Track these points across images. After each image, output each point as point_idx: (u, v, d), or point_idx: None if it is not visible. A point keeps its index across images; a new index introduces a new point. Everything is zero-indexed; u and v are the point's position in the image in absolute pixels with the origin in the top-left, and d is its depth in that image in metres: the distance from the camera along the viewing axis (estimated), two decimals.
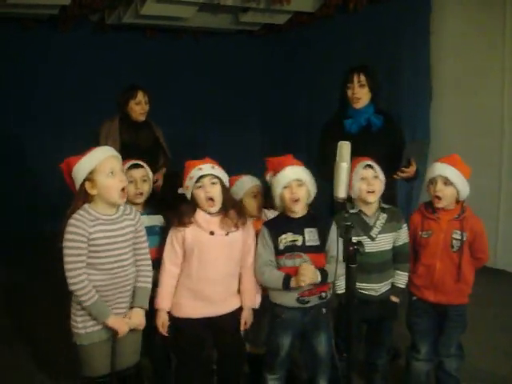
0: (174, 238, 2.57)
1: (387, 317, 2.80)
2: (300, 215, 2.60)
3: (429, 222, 2.73)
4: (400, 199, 3.98)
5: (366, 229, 2.72)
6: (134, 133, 4.01)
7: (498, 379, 3.26)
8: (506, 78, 5.12)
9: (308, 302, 2.57)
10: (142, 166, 2.90)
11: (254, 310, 2.80)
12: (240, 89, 7.59)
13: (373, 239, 2.71)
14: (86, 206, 2.34)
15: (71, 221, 2.29)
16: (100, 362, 2.42)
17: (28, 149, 6.63)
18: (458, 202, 2.70)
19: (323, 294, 2.60)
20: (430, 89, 5.71)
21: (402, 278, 2.77)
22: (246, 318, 2.69)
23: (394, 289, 2.77)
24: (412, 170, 3.25)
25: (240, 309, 2.68)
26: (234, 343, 2.70)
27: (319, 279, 2.49)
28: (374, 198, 2.71)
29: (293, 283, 2.48)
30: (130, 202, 2.79)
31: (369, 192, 2.69)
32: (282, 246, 2.55)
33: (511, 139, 5.14)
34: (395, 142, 3.39)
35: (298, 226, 2.58)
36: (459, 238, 2.65)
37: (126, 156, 3.00)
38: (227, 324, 2.64)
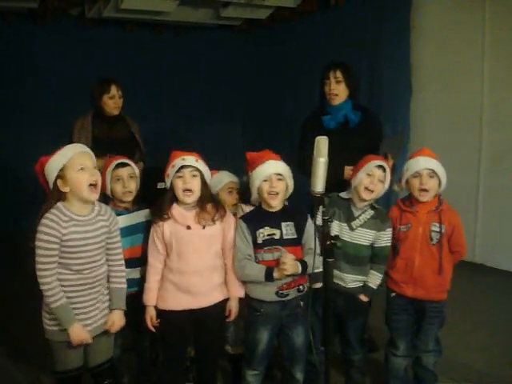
0: (155, 233, 2.58)
1: (354, 313, 2.80)
2: (276, 209, 2.61)
3: (407, 216, 2.74)
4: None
5: (349, 218, 2.73)
6: (109, 127, 3.96)
7: (474, 373, 3.30)
8: (485, 74, 5.16)
9: (287, 295, 2.57)
10: (128, 164, 2.87)
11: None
12: (222, 84, 7.57)
13: (352, 229, 2.72)
14: (59, 204, 2.31)
15: (44, 221, 2.26)
16: (71, 358, 2.43)
17: (3, 145, 6.53)
18: (435, 195, 2.72)
19: (301, 287, 2.62)
20: (410, 84, 5.74)
21: (375, 279, 2.77)
22: (233, 307, 2.69)
23: (365, 287, 2.77)
24: (389, 164, 3.26)
25: (223, 302, 2.68)
26: (214, 335, 2.72)
27: (300, 269, 2.50)
28: (369, 197, 2.72)
29: (276, 274, 2.48)
30: (118, 200, 2.82)
31: (367, 189, 2.70)
32: (260, 240, 2.56)
33: (490, 134, 5.19)
34: (373, 138, 3.41)
35: (275, 219, 2.59)
36: (438, 230, 2.67)
37: (100, 151, 2.99)
38: (209, 316, 2.64)
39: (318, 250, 2.42)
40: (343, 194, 2.81)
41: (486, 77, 5.17)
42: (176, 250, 2.55)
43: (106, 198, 2.82)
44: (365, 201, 2.74)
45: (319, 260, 2.32)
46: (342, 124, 3.42)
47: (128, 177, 2.82)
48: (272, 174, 2.56)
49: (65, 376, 2.46)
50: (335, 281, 2.70)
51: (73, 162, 2.29)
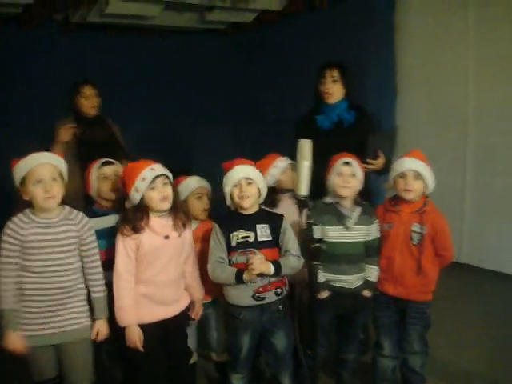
0: (128, 247, 2.48)
1: (359, 310, 2.81)
2: (251, 212, 2.62)
3: (390, 215, 2.75)
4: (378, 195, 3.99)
5: (342, 219, 2.72)
6: (89, 129, 3.93)
7: (461, 372, 3.31)
8: (470, 74, 5.18)
9: (264, 298, 2.57)
10: (113, 163, 2.88)
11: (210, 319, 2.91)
12: (208, 88, 7.55)
13: (348, 229, 2.71)
14: (27, 210, 2.34)
15: (8, 223, 2.31)
16: (43, 367, 2.42)
17: None
18: (421, 195, 2.73)
19: (279, 290, 2.61)
20: (396, 84, 5.76)
21: (373, 272, 2.78)
22: (198, 310, 2.73)
23: (367, 283, 2.77)
24: (379, 162, 3.26)
25: (187, 307, 2.69)
26: (183, 340, 2.74)
27: (272, 270, 2.49)
28: (346, 193, 2.72)
29: (245, 276, 2.49)
30: (105, 199, 2.82)
31: (342, 186, 2.71)
32: (234, 243, 2.56)
33: (476, 134, 5.20)
34: (366, 138, 3.42)
35: (249, 222, 2.59)
36: (418, 230, 2.67)
37: (82, 153, 2.97)
38: (178, 323, 2.64)
39: (297, 252, 2.49)
40: (327, 200, 2.79)
41: (470, 77, 5.19)
42: (151, 260, 2.50)
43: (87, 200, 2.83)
44: (345, 198, 2.74)
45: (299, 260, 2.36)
46: (335, 124, 3.41)
47: (114, 175, 2.81)
48: (241, 179, 2.57)
49: None
50: (340, 285, 2.71)
51: (30, 175, 2.28)
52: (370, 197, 3.39)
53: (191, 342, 2.88)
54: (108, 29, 6.97)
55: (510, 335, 3.79)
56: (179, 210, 2.57)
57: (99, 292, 2.47)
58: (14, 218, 2.31)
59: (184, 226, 2.57)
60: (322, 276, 2.69)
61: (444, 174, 4.63)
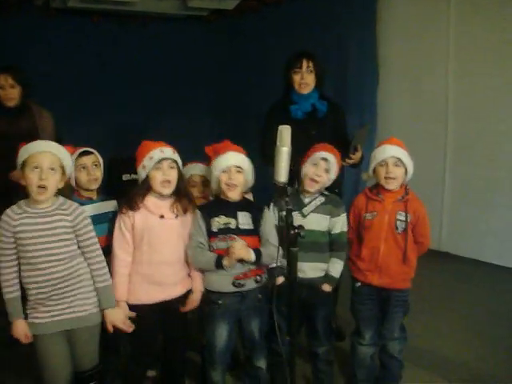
0: (123, 224, 2.53)
1: (318, 305, 2.79)
2: (234, 199, 2.62)
3: (373, 204, 2.75)
4: (348, 186, 4.00)
5: (300, 206, 2.72)
6: (8, 121, 3.66)
7: (440, 359, 3.35)
8: (451, 65, 5.23)
9: (244, 285, 2.57)
10: (92, 153, 2.84)
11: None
12: (189, 75, 7.50)
13: (304, 216, 2.72)
14: (21, 201, 2.33)
15: (2, 216, 2.31)
16: (53, 363, 2.38)
17: None
18: (401, 184, 2.74)
19: (258, 278, 2.62)
20: (377, 75, 5.78)
21: (336, 267, 2.76)
22: (195, 300, 2.68)
23: (327, 277, 2.76)
24: (358, 156, 3.29)
25: (186, 294, 2.67)
26: (182, 326, 2.73)
27: (253, 257, 2.50)
28: (313, 188, 2.74)
29: (225, 261, 2.49)
30: (83, 189, 2.78)
31: (311, 179, 2.71)
32: (214, 229, 2.56)
33: (456, 124, 5.26)
34: (339, 128, 3.43)
35: (231, 209, 2.59)
36: (403, 219, 2.68)
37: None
38: (175, 308, 2.63)
39: (276, 242, 2.49)
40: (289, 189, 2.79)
41: (451, 68, 5.24)
42: (147, 240, 2.52)
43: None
44: (309, 192, 2.75)
45: (276, 253, 2.38)
46: (309, 114, 3.41)
47: (92, 165, 2.78)
48: (232, 166, 2.57)
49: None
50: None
51: (30, 160, 2.27)
52: (340, 187, 3.42)
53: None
54: (90, 15, 6.88)
55: (489, 322, 3.85)
56: (182, 195, 2.59)
57: (102, 282, 2.44)
58: (7, 210, 2.31)
59: (185, 211, 2.58)
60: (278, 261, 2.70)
61: (424, 163, 4.65)
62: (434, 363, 3.29)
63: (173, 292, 2.62)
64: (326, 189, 2.85)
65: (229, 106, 7.59)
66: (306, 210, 2.73)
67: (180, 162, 2.60)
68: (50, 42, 6.69)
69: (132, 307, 2.55)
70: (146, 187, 2.53)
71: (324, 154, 2.74)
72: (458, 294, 4.41)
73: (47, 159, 2.29)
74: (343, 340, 3.40)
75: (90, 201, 2.77)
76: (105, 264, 2.46)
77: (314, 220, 2.73)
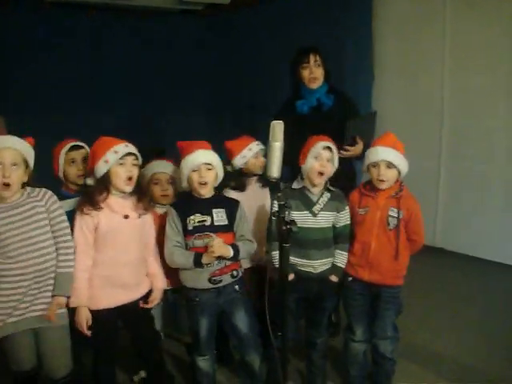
0: (85, 225, 2.43)
1: (326, 296, 2.81)
2: (208, 196, 2.62)
3: (366, 199, 2.75)
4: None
5: (309, 204, 2.72)
6: None
7: (433, 355, 3.35)
8: (446, 61, 5.22)
9: (220, 281, 2.59)
10: (82, 147, 2.83)
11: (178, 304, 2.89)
12: (185, 70, 7.47)
13: (314, 215, 2.71)
14: None
15: None
16: (20, 355, 2.38)
17: None
18: (396, 180, 2.72)
19: (234, 273, 2.64)
20: (372, 71, 5.77)
21: (341, 258, 2.78)
22: (156, 298, 2.68)
23: (333, 268, 2.77)
24: (358, 148, 3.25)
25: (148, 292, 2.67)
26: (148, 324, 2.71)
27: (231, 253, 2.52)
28: (321, 180, 2.72)
29: (204, 259, 2.49)
30: (72, 183, 2.78)
31: (319, 173, 2.69)
32: (190, 227, 2.56)
33: (451, 121, 5.25)
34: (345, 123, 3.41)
35: (205, 206, 2.60)
36: (395, 215, 2.67)
37: None
38: (138, 309, 2.61)
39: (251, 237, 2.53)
40: (294, 185, 2.79)
41: (446, 64, 5.23)
42: (112, 241, 2.46)
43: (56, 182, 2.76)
44: (317, 185, 2.74)
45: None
46: (315, 108, 3.40)
47: (82, 159, 2.77)
48: (201, 164, 2.56)
49: (18, 377, 2.44)
50: (305, 269, 2.72)
51: None
52: (354, 179, 3.43)
53: (157, 323, 2.87)
54: (84, 9, 6.84)
55: (482, 318, 3.85)
56: (143, 194, 2.56)
57: (65, 267, 2.35)
58: None
59: (146, 209, 2.55)
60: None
61: (419, 159, 4.66)
62: (427, 359, 3.29)
63: (135, 293, 2.60)
64: (340, 183, 2.85)
65: (224, 101, 7.56)
66: (316, 209, 2.71)
67: (140, 159, 2.55)
68: (45, 36, 6.64)
69: (94, 313, 2.48)
70: (105, 184, 2.46)
71: (325, 143, 2.72)
72: (452, 290, 4.41)
73: (9, 155, 2.23)
74: (337, 336, 3.39)
75: (78, 194, 2.72)
76: (72, 251, 2.39)
77: (324, 218, 2.73)
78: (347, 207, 2.79)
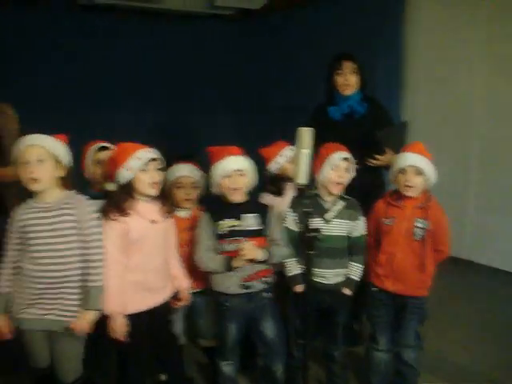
0: (114, 231, 2.40)
1: (339, 309, 2.79)
2: (240, 201, 2.61)
3: (393, 209, 2.72)
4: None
5: (321, 211, 2.70)
6: None
7: (456, 368, 3.30)
8: (478, 69, 5.12)
9: (251, 287, 2.57)
10: (109, 148, 2.85)
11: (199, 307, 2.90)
12: (214, 74, 7.50)
13: (327, 222, 2.69)
14: (30, 199, 2.35)
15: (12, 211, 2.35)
16: (36, 352, 2.43)
17: None
18: (423, 190, 2.69)
19: (266, 279, 2.62)
20: (403, 77, 5.71)
21: (356, 270, 2.75)
22: (186, 298, 2.69)
23: (347, 280, 2.75)
24: (387, 158, 3.22)
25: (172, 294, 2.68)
26: (168, 328, 2.73)
27: (262, 256, 2.50)
28: (338, 190, 2.71)
29: (235, 262, 2.49)
30: (99, 183, 2.79)
31: (337, 183, 2.68)
32: (222, 231, 2.56)
33: (481, 129, 5.16)
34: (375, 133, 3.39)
35: (237, 211, 2.59)
36: (422, 226, 2.64)
37: None
38: (163, 310, 2.62)
39: (284, 241, 2.49)
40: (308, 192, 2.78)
41: (479, 73, 5.14)
42: (141, 246, 2.46)
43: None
44: (330, 196, 2.73)
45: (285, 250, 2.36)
46: (347, 115, 3.39)
47: None
48: (233, 171, 2.55)
49: (36, 372, 2.51)
50: (317, 279, 2.69)
51: (20, 157, 2.28)
52: (383, 187, 3.42)
53: (178, 327, 2.88)
54: (115, 12, 6.91)
55: (508, 332, 3.77)
56: (167, 197, 2.57)
57: (94, 281, 2.34)
58: (17, 207, 2.34)
59: (169, 213, 2.56)
60: (296, 268, 2.70)
61: (448, 168, 4.60)
62: (450, 372, 3.24)
63: (162, 296, 2.60)
64: (364, 192, 2.85)
65: (253, 106, 7.57)
66: (328, 216, 2.70)
67: (164, 164, 2.54)
68: (75, 39, 6.73)
69: (127, 317, 2.46)
70: (129, 191, 2.43)
71: (344, 154, 2.71)
72: (478, 302, 4.34)
73: (34, 152, 2.27)
74: (360, 345, 3.36)
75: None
76: (100, 265, 2.36)
77: (337, 225, 2.71)
78: (363, 217, 2.77)
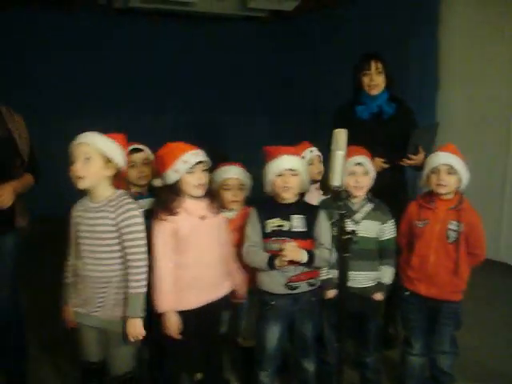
0: (164, 231, 2.44)
1: (369, 316, 2.77)
2: (289, 201, 2.60)
3: (425, 212, 2.69)
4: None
5: (350, 213, 2.67)
6: None
7: (493, 373, 3.24)
8: None
9: (297, 287, 2.56)
10: (141, 150, 2.88)
11: (242, 307, 2.91)
12: (247, 76, 7.53)
13: (356, 223, 2.67)
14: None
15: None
16: (87, 347, 2.48)
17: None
18: (456, 192, 2.66)
19: (312, 281, 2.60)
20: (437, 77, 5.65)
21: (387, 274, 2.73)
22: (242, 293, 2.75)
23: (378, 285, 2.73)
24: (420, 157, 3.19)
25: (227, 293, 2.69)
26: (217, 326, 2.75)
27: (304, 258, 2.48)
28: (360, 192, 2.70)
29: (277, 261, 2.48)
30: (133, 184, 2.83)
31: (355, 187, 2.68)
32: (268, 230, 2.56)
33: None
34: (406, 130, 3.36)
35: (286, 211, 2.58)
36: (455, 228, 2.60)
37: None
38: (216, 308, 2.63)
39: (330, 245, 2.45)
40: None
41: None
42: (193, 243, 2.48)
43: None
44: (357, 197, 2.72)
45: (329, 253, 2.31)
46: (375, 115, 3.38)
47: (142, 162, 2.83)
48: (285, 170, 2.54)
49: (83, 366, 2.55)
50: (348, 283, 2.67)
51: (70, 155, 2.31)
52: (405, 188, 3.40)
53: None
54: (149, 15, 7.00)
55: None
56: (214, 196, 2.60)
57: (134, 288, 2.31)
58: (78, 201, 2.42)
59: (218, 210, 2.59)
60: (326, 273, 2.69)
61: (483, 170, 4.54)
62: (486, 378, 3.19)
63: (218, 293, 2.61)
64: (391, 192, 2.81)
65: (285, 108, 7.57)
66: (357, 217, 2.69)
67: (210, 164, 2.56)
68: (110, 42, 6.84)
69: (179, 314, 2.49)
70: (177, 191, 2.48)
71: (357, 159, 2.71)
72: None
73: (81, 150, 2.29)
74: (393, 348, 3.33)
75: (140, 196, 2.79)
76: (142, 270, 2.33)
77: (365, 227, 2.69)
78: (391, 220, 2.74)
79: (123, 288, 2.35)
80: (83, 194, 2.39)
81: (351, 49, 4.49)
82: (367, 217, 2.70)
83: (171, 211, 2.44)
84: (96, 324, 2.40)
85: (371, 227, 2.70)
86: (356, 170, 2.69)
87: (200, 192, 2.50)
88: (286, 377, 3.03)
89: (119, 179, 2.43)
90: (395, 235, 2.75)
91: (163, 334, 2.45)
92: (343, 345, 2.27)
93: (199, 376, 3.00)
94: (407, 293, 2.76)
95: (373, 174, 2.74)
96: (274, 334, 2.61)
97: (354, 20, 6.38)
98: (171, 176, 2.45)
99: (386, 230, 2.73)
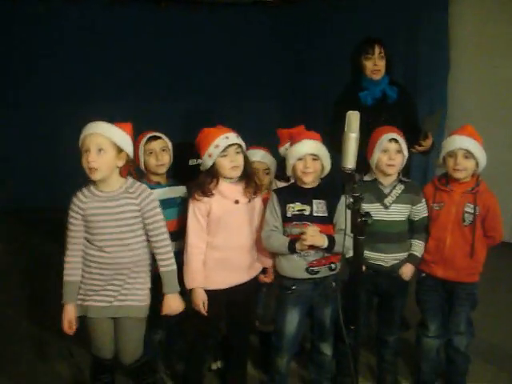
0: (198, 211, 2.54)
1: (396, 294, 2.78)
2: (310, 186, 2.60)
3: (441, 194, 2.67)
4: (416, 172, 3.91)
5: (380, 197, 2.68)
6: None
7: (508, 355, 3.24)
8: None
9: (317, 272, 2.57)
10: (160, 137, 2.88)
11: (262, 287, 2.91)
12: (256, 61, 7.49)
13: (386, 207, 2.67)
14: (90, 184, 2.37)
15: (72, 198, 2.38)
16: (100, 340, 2.48)
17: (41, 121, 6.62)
18: (473, 174, 2.64)
19: (333, 266, 2.60)
20: (448, 59, 5.58)
21: (419, 247, 2.72)
22: (271, 274, 2.79)
23: (410, 257, 2.72)
24: (428, 143, 3.22)
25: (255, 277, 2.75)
26: (247, 311, 2.78)
27: (326, 243, 2.48)
28: (393, 171, 2.68)
29: (297, 245, 2.49)
30: (152, 172, 2.83)
31: (388, 165, 2.66)
32: (289, 214, 2.57)
33: None
34: (410, 115, 3.35)
35: (307, 196, 2.58)
36: (471, 211, 2.59)
37: None
38: (243, 292, 2.67)
39: (349, 231, 2.41)
40: (366, 177, 2.76)
41: None
42: (224, 225, 2.55)
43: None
44: (390, 175, 2.69)
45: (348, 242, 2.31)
46: (379, 100, 3.37)
47: (160, 150, 2.83)
48: (307, 155, 2.54)
49: (95, 361, 2.56)
50: (376, 262, 2.69)
51: (81, 145, 2.30)
52: (408, 173, 3.36)
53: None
54: (158, 1, 6.97)
55: None
56: (251, 178, 2.61)
57: (167, 266, 2.43)
58: (78, 193, 2.37)
59: (255, 193, 2.62)
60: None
61: (498, 151, 4.46)
62: (503, 359, 3.20)
63: (245, 276, 2.66)
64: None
65: (296, 91, 7.53)
66: (387, 201, 2.68)
67: (244, 146, 2.59)
68: (118, 29, 6.83)
69: (206, 292, 2.56)
70: (213, 174, 2.54)
71: (392, 135, 2.67)
72: None
73: (94, 141, 2.27)
74: (407, 330, 3.33)
75: (159, 185, 2.82)
76: (170, 249, 2.45)
77: (396, 210, 2.68)
78: (424, 199, 2.72)
79: (143, 272, 2.43)
80: (82, 184, 2.39)
81: (359, 33, 4.45)
82: (397, 200, 2.68)
83: (206, 193, 2.51)
84: (111, 313, 2.41)
85: (402, 211, 2.69)
86: (389, 147, 2.65)
87: (236, 173, 2.54)
88: (302, 359, 3.05)
89: (125, 169, 2.43)
90: (427, 214, 2.72)
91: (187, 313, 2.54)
92: (359, 327, 2.27)
93: (219, 364, 3.02)
94: (423, 275, 2.76)
95: (406, 153, 2.70)
96: (293, 320, 2.62)
97: (362, 5, 6.28)
98: (207, 160, 2.52)
99: (420, 210, 2.71)
